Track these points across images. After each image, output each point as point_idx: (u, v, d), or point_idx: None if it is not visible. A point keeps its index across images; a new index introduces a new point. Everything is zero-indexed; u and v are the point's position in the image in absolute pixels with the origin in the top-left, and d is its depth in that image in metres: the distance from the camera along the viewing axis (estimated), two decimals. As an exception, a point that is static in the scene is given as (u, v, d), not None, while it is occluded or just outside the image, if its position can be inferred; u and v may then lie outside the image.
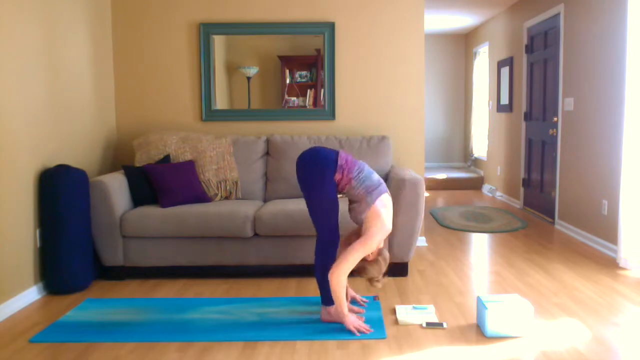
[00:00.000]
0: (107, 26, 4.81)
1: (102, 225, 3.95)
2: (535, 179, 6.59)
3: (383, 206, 3.06)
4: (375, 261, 3.08)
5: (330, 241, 3.09)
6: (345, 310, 3.02)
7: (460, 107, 10.50)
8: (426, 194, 8.34)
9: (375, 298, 3.55)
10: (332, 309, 3.12)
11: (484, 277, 4.07)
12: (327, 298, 3.12)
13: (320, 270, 3.12)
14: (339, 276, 2.94)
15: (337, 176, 3.05)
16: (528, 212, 6.76)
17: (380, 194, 3.07)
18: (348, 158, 3.12)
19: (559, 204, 5.83)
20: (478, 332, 3.04)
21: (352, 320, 3.04)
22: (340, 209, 3.91)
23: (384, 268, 3.10)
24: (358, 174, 3.08)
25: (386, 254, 3.13)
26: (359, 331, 3.00)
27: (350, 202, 3.16)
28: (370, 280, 3.11)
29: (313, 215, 3.09)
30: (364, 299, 3.50)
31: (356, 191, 3.07)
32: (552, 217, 6.01)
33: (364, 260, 3.07)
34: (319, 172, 3.03)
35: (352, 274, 4.08)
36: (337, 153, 3.11)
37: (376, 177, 3.15)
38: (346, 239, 3.26)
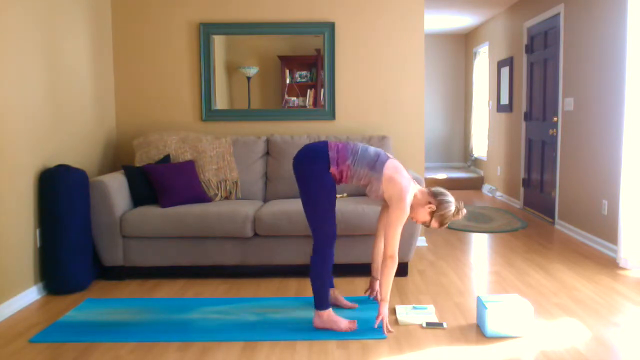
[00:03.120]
0: (107, 26, 4.81)
1: (102, 225, 3.95)
2: (535, 179, 6.59)
3: (393, 171, 3.02)
4: (440, 202, 3.05)
5: (327, 243, 3.05)
6: (387, 297, 3.02)
7: (460, 107, 10.50)
8: (426, 194, 8.32)
9: (375, 298, 3.55)
10: (324, 314, 3.07)
11: (484, 277, 4.07)
12: (320, 302, 3.07)
13: (314, 273, 3.06)
14: (393, 260, 2.96)
15: (333, 169, 3.03)
16: (528, 212, 6.76)
17: (382, 163, 3.03)
18: (338, 146, 3.07)
19: (559, 204, 5.83)
20: (478, 332, 3.04)
21: (344, 324, 3.04)
22: (341, 209, 3.91)
23: (450, 197, 3.08)
24: (353, 157, 3.04)
25: (437, 188, 3.10)
26: (351, 329, 3.01)
27: (363, 186, 3.13)
28: (456, 216, 3.09)
29: (311, 215, 3.05)
30: (354, 303, 3.44)
31: (360, 174, 3.03)
32: (552, 217, 6.01)
33: (434, 213, 3.06)
34: (316, 169, 3.00)
35: (352, 275, 4.08)
36: (326, 145, 3.07)
37: (372, 150, 3.10)
38: (380, 218, 3.27)
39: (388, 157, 3.09)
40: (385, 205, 3.30)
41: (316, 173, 3.01)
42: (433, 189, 3.14)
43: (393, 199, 2.99)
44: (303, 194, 3.06)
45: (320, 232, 3.05)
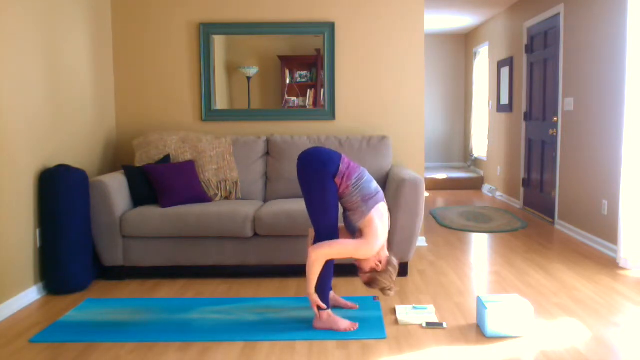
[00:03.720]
0: (107, 26, 4.81)
1: (102, 225, 3.95)
2: (535, 179, 6.59)
3: (379, 216, 3.03)
4: (385, 271, 3.05)
5: (331, 235, 3.04)
6: (312, 289, 3.00)
7: (460, 107, 10.50)
8: (426, 194, 8.34)
9: (375, 298, 3.55)
10: (324, 314, 3.07)
11: (484, 277, 4.07)
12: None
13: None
14: (317, 257, 2.93)
15: (337, 180, 3.02)
16: (528, 212, 6.76)
17: (376, 202, 3.04)
18: (351, 164, 3.09)
19: (559, 204, 5.83)
20: (478, 332, 3.04)
21: (344, 324, 3.04)
22: (341, 209, 3.91)
23: (394, 276, 3.07)
24: (357, 181, 3.04)
25: (394, 261, 3.10)
26: (352, 329, 3.01)
27: (345, 210, 3.13)
28: (383, 290, 3.07)
29: (313, 214, 3.05)
30: (354, 303, 3.44)
31: (352, 199, 3.03)
32: (552, 217, 6.01)
33: (374, 271, 3.05)
34: (322, 171, 3.00)
35: (352, 275, 4.08)
36: (340, 157, 3.08)
37: (374, 185, 3.11)
38: (342, 234, 3.25)
39: (383, 200, 3.10)
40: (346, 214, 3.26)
41: (322, 175, 3.00)
42: (392, 259, 3.11)
43: (365, 236, 3.00)
44: (306, 190, 3.05)
45: (323, 229, 3.04)
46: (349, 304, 3.40)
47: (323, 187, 3.00)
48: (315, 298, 3.02)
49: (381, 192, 3.12)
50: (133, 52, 4.90)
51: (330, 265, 3.06)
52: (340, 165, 3.04)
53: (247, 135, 4.84)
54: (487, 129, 8.81)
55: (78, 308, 3.45)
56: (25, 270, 3.57)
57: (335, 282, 3.94)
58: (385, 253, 3.11)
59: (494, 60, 8.40)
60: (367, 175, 3.12)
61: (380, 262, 3.06)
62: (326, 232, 3.05)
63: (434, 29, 9.70)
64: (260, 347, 2.87)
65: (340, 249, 2.95)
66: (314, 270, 2.96)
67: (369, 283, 3.09)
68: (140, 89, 4.93)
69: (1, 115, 3.33)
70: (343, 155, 3.12)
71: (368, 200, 3.02)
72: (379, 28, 4.87)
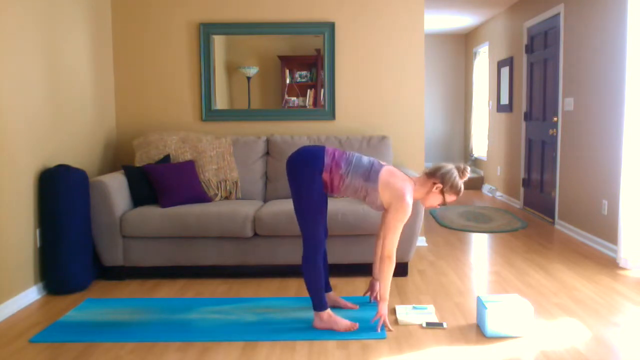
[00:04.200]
0: (107, 26, 4.81)
1: (102, 225, 3.95)
2: (535, 179, 6.59)
3: (388, 176, 2.99)
4: (449, 189, 3.04)
5: (315, 250, 3.02)
6: (387, 296, 3.03)
7: (460, 107, 10.50)
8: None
9: (375, 299, 3.55)
10: (324, 314, 3.07)
11: (484, 277, 4.07)
12: (317, 304, 3.06)
13: (308, 278, 3.05)
14: (392, 259, 2.98)
15: (325, 175, 2.99)
16: (528, 212, 6.76)
17: (377, 172, 3.00)
18: (335, 153, 3.04)
19: (559, 204, 5.83)
20: (478, 332, 3.04)
21: (344, 324, 3.04)
22: (341, 209, 3.91)
23: (454, 174, 3.03)
24: (348, 166, 3.00)
25: (440, 169, 3.05)
26: (352, 329, 3.01)
27: (365, 203, 3.11)
28: (455, 184, 3.05)
29: (301, 218, 3.02)
30: (354, 304, 3.44)
31: (355, 185, 3.00)
32: (552, 217, 6.01)
33: (440, 193, 3.05)
34: (309, 173, 2.97)
35: (352, 275, 4.08)
36: (324, 150, 3.03)
37: (365, 159, 3.07)
38: (383, 219, 3.24)
39: (382, 165, 3.07)
40: (382, 223, 3.29)
41: (308, 175, 2.97)
42: (427, 170, 3.10)
43: (393, 201, 2.98)
44: (294, 195, 3.04)
45: (309, 238, 3.02)
46: (349, 304, 3.40)
47: (311, 189, 2.97)
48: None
49: (376, 161, 3.07)
50: (133, 52, 4.90)
51: (319, 265, 3.05)
52: (325, 159, 3.00)
53: (247, 135, 4.84)
54: (487, 129, 8.81)
55: (78, 308, 3.45)
56: (25, 270, 3.57)
57: (336, 282, 3.94)
58: (420, 178, 3.09)
59: (494, 60, 8.40)
60: (355, 156, 3.07)
61: (434, 183, 3.03)
62: (313, 243, 3.01)
63: (434, 29, 9.70)
64: (260, 347, 2.87)
65: (395, 234, 2.97)
66: (389, 273, 3.01)
67: (457, 193, 3.06)
68: (140, 89, 4.93)
69: (1, 115, 3.33)
70: (327, 148, 3.07)
71: (369, 176, 3.00)
72: (379, 28, 4.87)
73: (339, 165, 3.00)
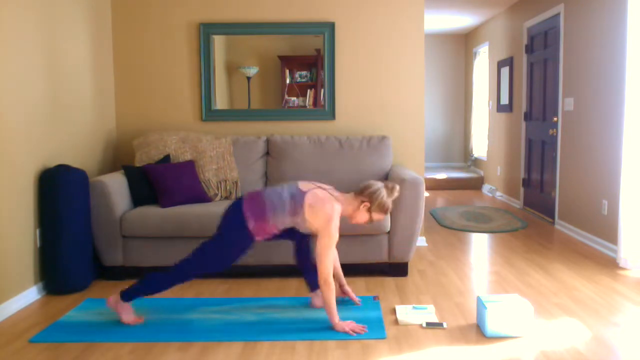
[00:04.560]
0: (107, 26, 4.81)
1: (102, 225, 3.95)
2: (535, 179, 6.59)
3: (312, 202, 2.99)
4: (374, 200, 3.06)
5: (185, 275, 3.05)
6: (336, 318, 3.02)
7: (460, 107, 10.50)
8: (426, 194, 8.34)
9: (375, 298, 3.55)
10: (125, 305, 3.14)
11: (484, 277, 4.07)
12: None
13: (156, 278, 3.07)
14: (329, 282, 2.96)
15: (252, 226, 3.02)
16: (528, 212, 6.76)
17: (300, 204, 3.01)
18: (254, 200, 3.03)
19: (559, 204, 5.83)
20: (478, 332, 3.04)
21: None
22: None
23: (383, 192, 3.06)
24: (274, 216, 3.01)
25: (373, 186, 3.07)
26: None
27: (298, 231, 3.14)
28: (384, 206, 3.09)
29: (208, 253, 3.02)
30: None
31: (285, 222, 3.04)
32: (552, 217, 6.01)
33: (367, 211, 3.07)
34: (235, 225, 3.01)
35: (352, 275, 4.08)
36: (241, 203, 3.03)
37: (285, 192, 3.06)
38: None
39: (304, 192, 3.04)
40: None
41: (235, 227, 3.01)
42: (361, 186, 3.12)
43: (319, 228, 2.99)
44: (217, 233, 3.05)
45: (196, 263, 3.03)
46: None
47: (231, 241, 3.02)
48: (342, 325, 3.02)
49: (296, 190, 3.06)
50: (133, 52, 4.90)
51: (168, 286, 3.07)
52: (249, 225, 3.00)
53: (247, 135, 4.84)
54: (487, 129, 8.81)
55: (78, 308, 3.45)
56: (25, 270, 3.57)
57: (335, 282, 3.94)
58: (349, 196, 3.10)
59: (494, 60, 8.40)
60: (275, 199, 3.04)
61: (362, 202, 3.06)
62: (195, 266, 3.03)
63: (434, 29, 9.70)
64: (260, 347, 2.87)
65: (326, 259, 2.96)
66: (332, 297, 2.99)
67: (384, 211, 3.09)
68: (140, 89, 4.93)
69: (1, 115, 3.33)
70: (245, 209, 3.02)
71: (294, 209, 3.01)
72: (379, 28, 4.87)
73: (266, 220, 3.02)
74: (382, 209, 3.09)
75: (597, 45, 4.92)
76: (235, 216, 3.03)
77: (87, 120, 4.44)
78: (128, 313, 3.15)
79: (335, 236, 2.97)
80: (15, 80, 3.47)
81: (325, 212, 2.97)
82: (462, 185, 8.84)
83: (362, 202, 3.08)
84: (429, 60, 10.39)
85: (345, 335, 2.98)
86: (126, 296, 3.11)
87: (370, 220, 3.12)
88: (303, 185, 3.09)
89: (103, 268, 4.08)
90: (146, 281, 3.07)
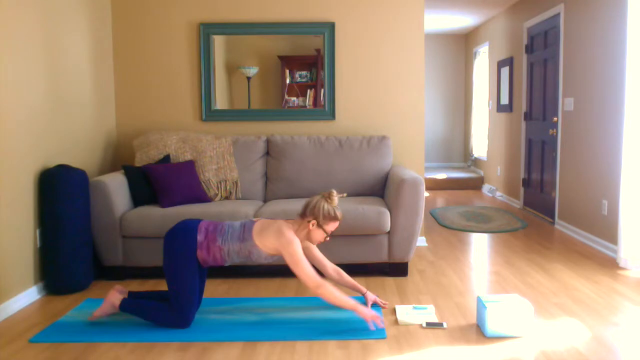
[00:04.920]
0: (107, 26, 4.81)
1: (102, 225, 3.95)
2: (535, 179, 6.59)
3: (261, 228, 3.04)
4: (323, 219, 3.08)
5: (178, 324, 3.06)
6: (351, 303, 3.00)
7: (460, 107, 10.50)
8: (426, 194, 8.34)
9: (380, 304, 3.54)
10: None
11: (484, 277, 4.07)
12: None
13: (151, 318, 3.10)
14: (322, 285, 2.96)
15: (200, 253, 3.03)
16: (528, 212, 6.76)
17: (250, 229, 3.05)
18: (209, 229, 3.06)
19: (559, 204, 5.83)
20: (478, 332, 3.04)
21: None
22: (341, 209, 3.91)
23: (321, 203, 3.08)
24: (222, 237, 3.04)
25: (315, 203, 3.09)
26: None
27: (246, 257, 3.14)
28: (329, 214, 3.09)
29: (172, 288, 3.05)
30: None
31: (234, 249, 3.05)
32: (552, 217, 6.01)
33: (316, 228, 3.09)
34: (182, 251, 3.01)
35: (352, 275, 4.08)
36: (196, 228, 3.05)
37: (237, 223, 3.12)
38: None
39: (253, 222, 3.10)
40: (304, 246, 3.31)
41: (181, 254, 3.02)
42: (301, 208, 3.15)
43: (278, 246, 3.01)
44: (166, 265, 3.06)
45: (174, 303, 3.04)
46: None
47: (184, 266, 3.02)
48: (363, 309, 3.00)
49: (247, 221, 3.12)
50: (133, 52, 4.90)
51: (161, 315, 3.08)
52: (199, 237, 3.03)
53: (247, 135, 4.84)
54: (487, 129, 8.82)
55: (78, 308, 3.45)
56: (25, 270, 3.57)
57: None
58: (294, 221, 3.13)
59: (494, 60, 8.40)
60: (227, 224, 3.11)
61: (308, 222, 3.08)
62: (178, 313, 3.04)
63: (434, 29, 9.70)
64: (260, 347, 2.87)
65: (303, 270, 2.98)
66: (337, 295, 2.98)
67: (332, 220, 3.09)
68: (140, 89, 4.93)
69: (1, 115, 3.33)
70: (201, 222, 3.09)
71: (243, 236, 3.04)
72: (379, 28, 4.87)
73: (215, 239, 3.05)
74: (330, 218, 3.09)
75: (597, 45, 4.92)
76: (189, 230, 3.05)
77: (87, 120, 4.44)
78: (107, 309, 3.14)
79: (296, 244, 2.97)
80: (15, 80, 3.47)
81: (275, 230, 3.01)
82: (462, 185, 8.84)
83: (309, 222, 3.10)
84: (429, 60, 10.39)
85: (345, 335, 2.98)
86: (125, 306, 3.12)
87: (326, 233, 3.13)
88: (256, 218, 3.16)
89: (103, 268, 4.08)
90: (147, 309, 3.09)
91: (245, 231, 3.06)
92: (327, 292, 2.97)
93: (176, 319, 3.05)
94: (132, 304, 3.11)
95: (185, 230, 3.06)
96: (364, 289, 3.40)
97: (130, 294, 3.24)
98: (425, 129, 10.38)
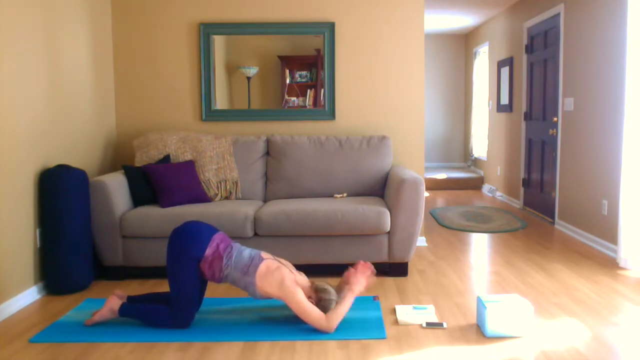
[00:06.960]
0: (107, 26, 4.81)
1: (102, 225, 3.95)
2: (535, 179, 6.59)
3: (266, 272, 3.02)
4: (321, 296, 3.07)
5: (180, 325, 3.07)
6: (350, 299, 3.02)
7: (460, 107, 10.50)
8: (426, 194, 8.34)
9: (375, 298, 3.55)
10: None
11: (484, 277, 4.07)
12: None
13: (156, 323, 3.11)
14: (331, 322, 2.98)
15: (202, 265, 3.03)
16: (528, 212, 6.76)
17: (256, 267, 3.03)
18: (220, 246, 3.07)
19: (559, 204, 5.83)
20: (478, 332, 3.04)
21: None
22: (341, 209, 3.90)
23: (331, 297, 3.08)
24: (228, 261, 3.04)
25: (324, 292, 3.08)
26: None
27: (243, 289, 3.13)
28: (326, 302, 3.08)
29: (173, 286, 3.05)
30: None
31: (233, 277, 3.04)
32: (552, 217, 6.01)
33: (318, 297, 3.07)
34: (185, 254, 3.01)
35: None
36: (209, 240, 3.05)
37: (247, 253, 3.10)
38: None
39: (262, 260, 3.08)
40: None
41: (185, 258, 3.02)
42: (319, 286, 3.10)
43: (279, 294, 3.00)
44: (170, 269, 3.06)
45: (175, 308, 3.05)
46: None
47: (185, 270, 3.02)
48: (354, 293, 3.05)
49: (257, 255, 3.09)
50: (133, 52, 4.90)
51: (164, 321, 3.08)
52: (207, 250, 3.03)
53: (247, 135, 4.84)
54: (487, 129, 8.81)
55: (78, 308, 3.45)
56: (25, 270, 3.57)
57: (336, 282, 3.94)
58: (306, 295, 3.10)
59: (494, 60, 8.40)
60: (237, 248, 3.10)
61: (309, 297, 3.09)
62: (179, 315, 3.04)
63: (434, 29, 9.70)
64: (260, 347, 2.87)
65: (310, 315, 2.98)
66: (341, 315, 3.00)
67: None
68: (140, 89, 4.93)
69: (1, 115, 3.33)
70: (215, 235, 3.09)
71: (247, 271, 3.03)
72: (379, 28, 4.87)
73: (221, 258, 3.04)
74: (321, 304, 3.08)
75: (597, 45, 4.92)
76: (201, 239, 3.05)
77: (87, 120, 4.44)
78: (106, 314, 3.13)
79: (295, 291, 2.97)
80: (16, 80, 3.47)
81: (276, 279, 3.00)
82: (462, 185, 8.84)
83: (312, 297, 3.09)
84: (429, 60, 10.39)
85: (345, 335, 2.98)
86: (124, 311, 3.12)
87: (314, 302, 3.11)
88: (265, 254, 3.14)
89: (103, 268, 4.08)
90: (146, 313, 3.09)
91: (251, 267, 3.04)
92: (337, 319, 2.99)
93: (176, 319, 3.05)
94: (131, 309, 3.11)
95: (197, 237, 3.04)
96: (344, 283, 3.31)
97: (129, 298, 3.24)
98: (425, 129, 10.38)
